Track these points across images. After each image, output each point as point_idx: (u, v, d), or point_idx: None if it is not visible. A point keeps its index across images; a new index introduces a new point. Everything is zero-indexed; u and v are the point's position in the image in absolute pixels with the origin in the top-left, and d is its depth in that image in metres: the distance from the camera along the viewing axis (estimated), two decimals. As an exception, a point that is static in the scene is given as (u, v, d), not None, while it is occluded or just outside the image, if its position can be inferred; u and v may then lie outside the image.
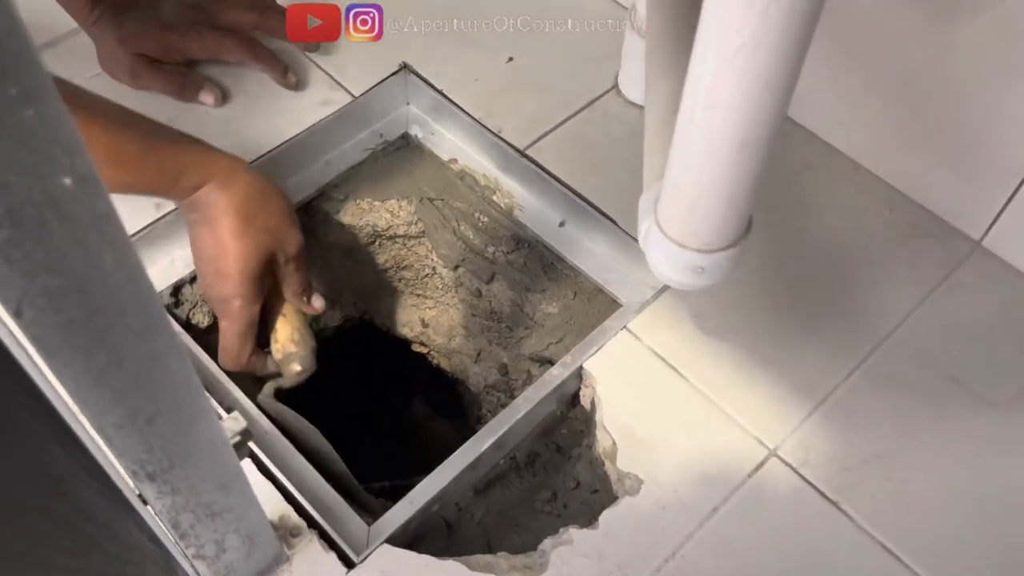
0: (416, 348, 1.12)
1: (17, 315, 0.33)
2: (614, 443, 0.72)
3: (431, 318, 1.06)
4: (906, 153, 0.87)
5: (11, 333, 0.36)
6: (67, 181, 0.31)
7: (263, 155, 0.90)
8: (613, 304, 0.86)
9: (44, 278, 0.33)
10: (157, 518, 0.51)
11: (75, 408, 0.42)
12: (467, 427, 1.23)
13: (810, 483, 0.71)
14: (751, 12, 0.38)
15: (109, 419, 0.42)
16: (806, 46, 0.41)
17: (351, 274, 1.02)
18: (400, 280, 1.04)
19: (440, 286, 1.02)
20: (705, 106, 0.44)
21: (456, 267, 0.96)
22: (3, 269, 0.32)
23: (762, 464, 0.72)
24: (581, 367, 0.77)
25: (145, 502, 0.52)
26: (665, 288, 0.81)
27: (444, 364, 1.11)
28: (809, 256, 0.85)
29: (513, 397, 1.01)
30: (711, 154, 0.47)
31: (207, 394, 0.45)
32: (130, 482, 0.49)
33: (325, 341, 1.09)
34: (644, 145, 0.63)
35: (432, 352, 1.11)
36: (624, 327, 0.79)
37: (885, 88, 0.85)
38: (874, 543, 0.68)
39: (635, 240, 0.84)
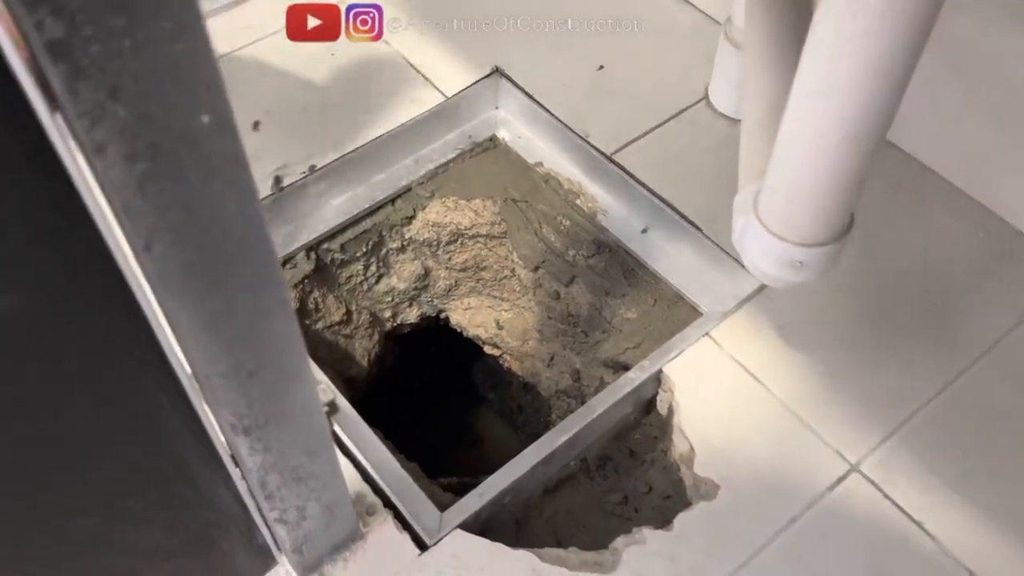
0: (489, 350, 1.13)
1: (147, 249, 0.35)
2: (691, 448, 0.72)
3: (506, 320, 1.07)
4: (1003, 174, 0.85)
5: (134, 273, 0.37)
6: (205, 119, 0.33)
7: (355, 149, 0.92)
8: (693, 312, 0.85)
9: (174, 215, 0.34)
10: (246, 477, 0.53)
11: (184, 355, 0.43)
12: (531, 433, 1.23)
13: (892, 501, 0.69)
14: (874, -6, 0.38)
15: (216, 367, 0.43)
16: (927, 35, 0.40)
17: (431, 272, 1.03)
18: (479, 280, 1.05)
19: (518, 288, 1.03)
20: (817, 93, 0.44)
21: (536, 268, 0.97)
22: (138, 202, 0.33)
23: (842, 479, 0.70)
24: (660, 371, 0.76)
25: (236, 463, 0.53)
26: (748, 298, 0.81)
27: (516, 367, 1.11)
28: (897, 275, 0.83)
29: (584, 403, 1.01)
30: (819, 143, 0.46)
31: (307, 355, 0.46)
32: (224, 438, 0.51)
33: (400, 338, 1.11)
34: (741, 145, 0.63)
35: (504, 355, 1.11)
36: (706, 334, 0.78)
37: (983, 107, 0.83)
38: (959, 566, 0.66)
39: (720, 248, 0.84)
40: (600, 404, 0.75)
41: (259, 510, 0.57)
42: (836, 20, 0.41)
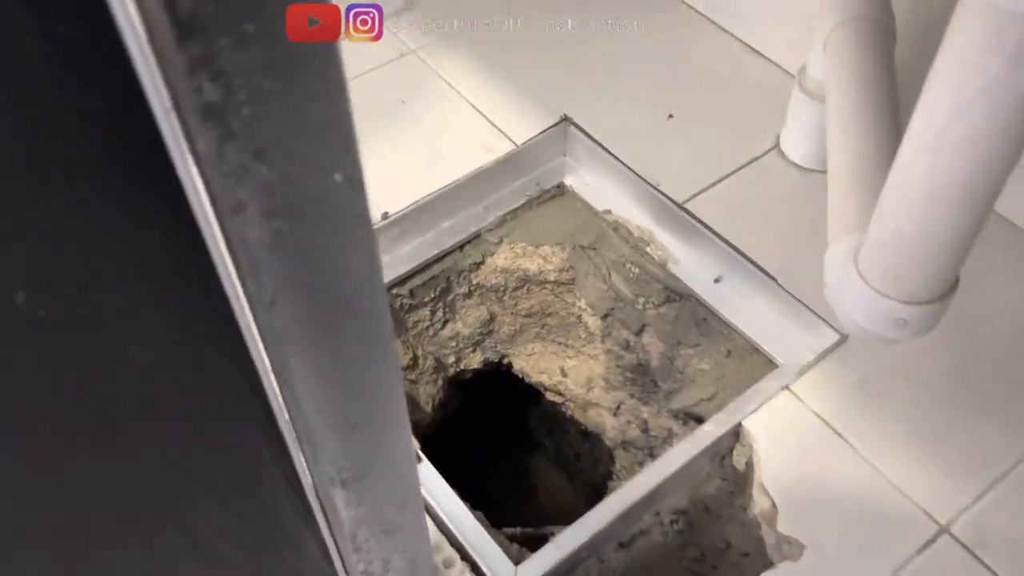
0: (551, 396, 1.12)
1: (271, 304, 0.35)
2: (773, 505, 0.70)
3: (571, 367, 1.06)
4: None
5: (250, 328, 0.37)
6: (338, 177, 0.33)
7: (426, 196, 0.92)
8: (769, 364, 0.84)
9: (301, 271, 0.34)
10: (336, 530, 0.52)
11: (288, 408, 0.43)
12: (587, 482, 1.21)
13: (987, 567, 0.66)
14: (999, 54, 0.38)
15: (321, 418, 0.43)
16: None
17: (496, 317, 1.03)
18: (543, 326, 1.04)
19: (583, 336, 1.02)
20: (933, 150, 0.43)
21: (605, 316, 0.96)
22: (269, 258, 0.33)
23: (932, 541, 0.68)
24: (739, 425, 0.75)
25: (326, 515, 0.53)
26: (828, 351, 0.79)
27: (579, 415, 1.10)
28: (984, 331, 0.81)
29: (653, 455, 0.99)
30: (933, 201, 0.45)
31: (406, 407, 0.46)
32: (318, 490, 0.51)
33: (463, 383, 1.11)
34: (829, 198, 0.62)
35: (567, 402, 1.10)
36: (785, 387, 0.77)
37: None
38: (1060, 638, 0.63)
39: (795, 299, 0.83)
40: (678, 457, 0.74)
41: (343, 562, 0.57)
42: (956, 80, 0.40)
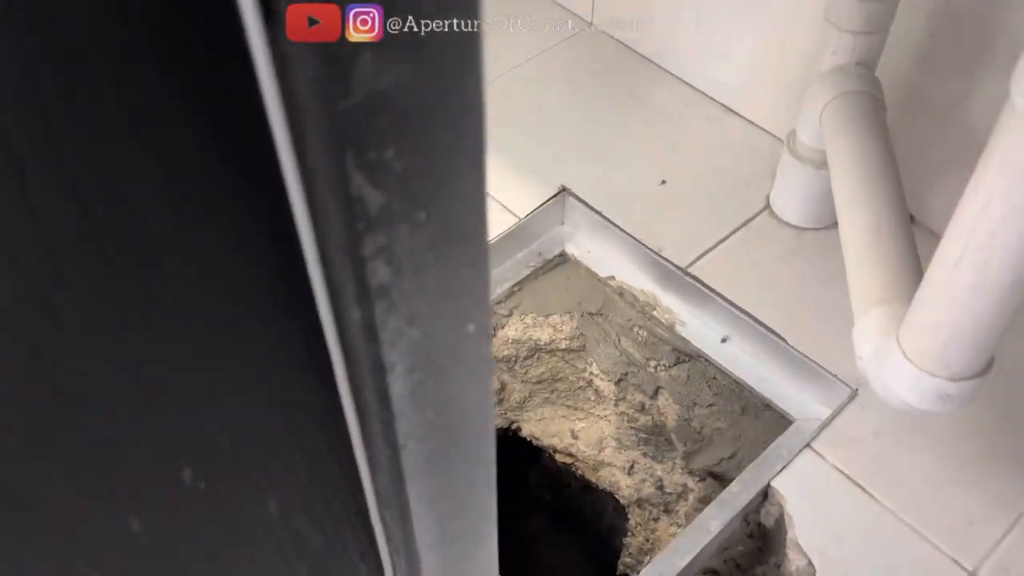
0: (560, 459, 1.14)
1: (402, 447, 0.37)
2: (810, 563, 0.72)
3: (580, 429, 1.08)
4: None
5: (364, 466, 0.39)
6: (471, 328, 0.35)
7: (437, 274, 0.94)
8: (783, 420, 0.87)
9: (430, 414, 0.36)
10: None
11: (392, 530, 0.44)
12: (604, 543, 1.23)
13: (1017, 609, 0.70)
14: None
15: (426, 538, 0.44)
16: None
17: (507, 386, 1.05)
18: (553, 391, 1.06)
19: (593, 398, 1.04)
20: (981, 249, 0.47)
21: (619, 381, 0.99)
22: (408, 408, 0.35)
23: (963, 587, 0.71)
24: (769, 485, 0.77)
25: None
26: (841, 407, 0.82)
27: (590, 475, 1.12)
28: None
29: (668, 511, 1.01)
30: (979, 292, 0.49)
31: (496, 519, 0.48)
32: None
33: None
34: (848, 272, 0.66)
35: (578, 463, 1.12)
36: (807, 445, 0.80)
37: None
38: (1094, 674, 0.66)
39: (802, 356, 0.86)
40: (714, 521, 0.76)
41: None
42: (1008, 185, 0.44)
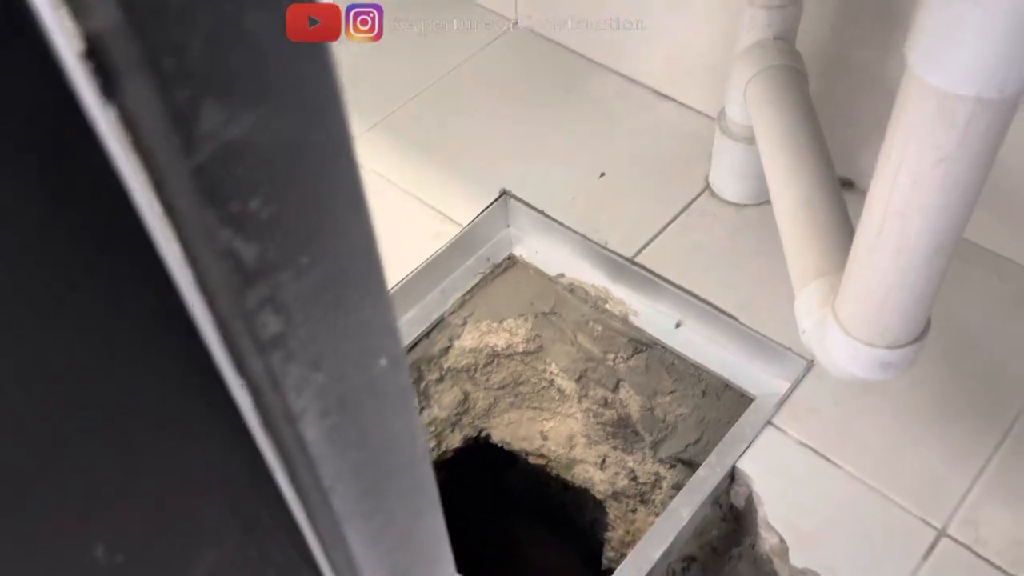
0: (534, 460, 1.13)
1: (331, 491, 0.36)
2: (782, 540, 0.73)
3: (549, 429, 1.08)
4: (1002, 217, 0.89)
5: (303, 517, 0.38)
6: (383, 362, 0.34)
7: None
8: (743, 398, 0.87)
9: (354, 453, 0.35)
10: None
11: (341, 567, 0.44)
12: (584, 536, 1.23)
13: (988, 560, 0.70)
14: (952, 129, 0.41)
15: (377, 575, 0.43)
16: (995, 155, 0.44)
17: (470, 395, 1.04)
18: (517, 395, 1.06)
19: (557, 397, 1.04)
20: (899, 214, 0.47)
21: (579, 378, 0.98)
22: (327, 451, 0.34)
23: (934, 546, 0.72)
24: (734, 467, 0.77)
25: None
26: (799, 380, 0.83)
27: (564, 474, 1.11)
28: (939, 335, 0.85)
29: (644, 501, 1.01)
30: (903, 259, 0.49)
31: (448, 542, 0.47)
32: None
33: (445, 463, 1.11)
34: (785, 247, 0.66)
35: (551, 463, 1.12)
36: (768, 422, 0.80)
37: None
38: (1069, 616, 0.67)
39: (756, 333, 0.86)
40: (685, 508, 0.76)
41: None
42: (914, 152, 0.44)
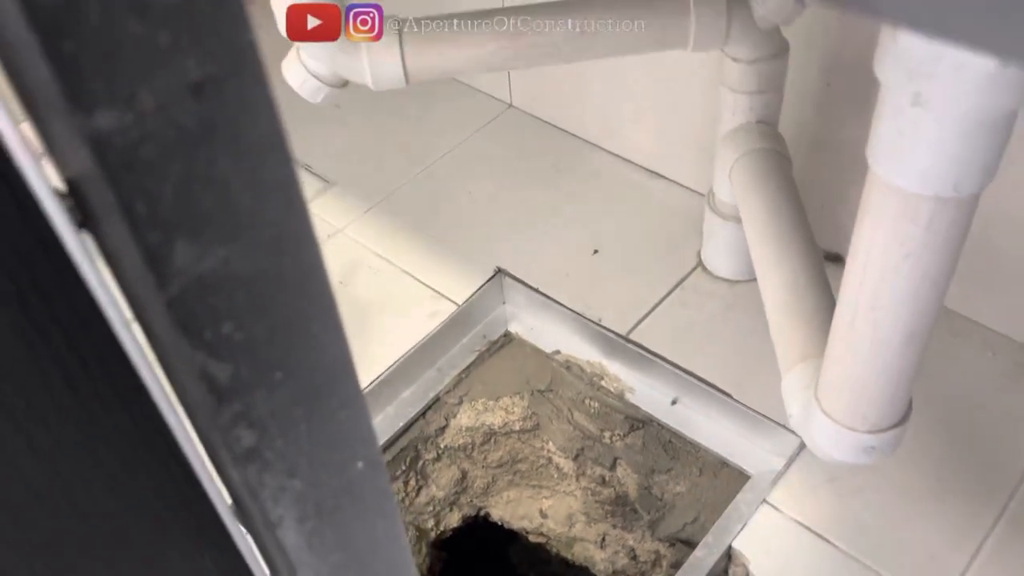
0: (534, 539, 1.12)
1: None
2: (779, 623, 0.72)
3: (548, 507, 1.07)
4: (994, 293, 0.90)
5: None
6: (360, 465, 0.35)
7: (383, 372, 0.94)
8: (740, 476, 0.87)
9: (334, 557, 0.36)
10: None
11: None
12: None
13: (989, 642, 0.69)
14: (915, 225, 0.43)
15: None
16: (962, 244, 0.45)
17: (468, 473, 1.04)
18: (516, 473, 1.06)
19: (555, 475, 1.04)
20: (870, 307, 0.48)
21: (576, 456, 0.98)
22: (307, 556, 0.35)
23: (934, 627, 0.71)
24: (730, 547, 0.77)
25: None
26: (793, 457, 0.83)
27: (564, 552, 1.10)
28: (923, 409, 0.85)
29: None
30: (878, 348, 0.50)
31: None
32: None
33: (444, 543, 1.10)
34: (772, 330, 0.67)
35: (551, 542, 1.11)
36: (764, 500, 0.80)
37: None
38: None
39: (751, 411, 0.86)
40: (680, 593, 0.75)
41: None
42: (881, 248, 0.45)
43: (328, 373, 0.31)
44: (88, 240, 0.25)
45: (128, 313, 0.26)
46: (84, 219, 0.24)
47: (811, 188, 0.88)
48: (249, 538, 0.35)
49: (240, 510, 0.34)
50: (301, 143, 1.21)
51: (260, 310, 0.26)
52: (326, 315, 0.30)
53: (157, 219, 0.22)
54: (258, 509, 0.32)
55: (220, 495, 0.32)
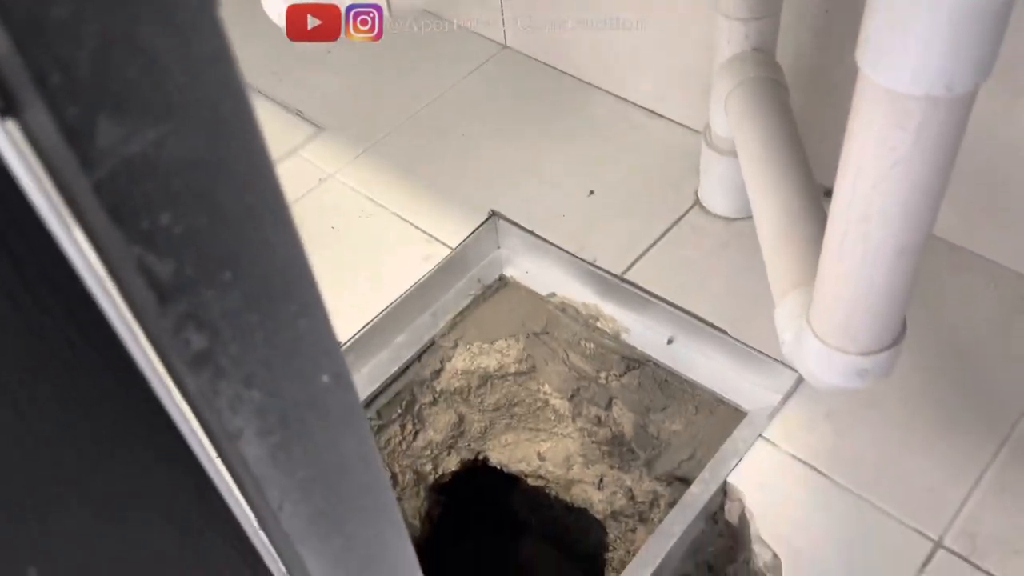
0: (532, 482, 1.12)
1: (279, 510, 0.36)
2: (775, 556, 0.71)
3: (546, 450, 1.07)
4: (999, 226, 0.88)
5: (259, 536, 0.38)
6: (325, 379, 0.34)
7: (375, 316, 0.93)
8: (736, 413, 0.86)
9: (302, 473, 0.35)
10: None
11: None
12: (589, 558, 1.21)
13: (986, 572, 0.69)
14: (906, 131, 0.41)
15: (340, 600, 0.43)
16: (955, 154, 0.43)
17: (465, 417, 1.04)
18: (512, 416, 1.05)
19: (552, 417, 1.03)
20: (861, 219, 0.46)
21: (572, 397, 0.98)
22: (271, 471, 0.34)
23: (930, 557, 0.70)
24: (725, 482, 0.76)
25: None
26: (790, 392, 0.82)
27: (563, 495, 1.10)
28: (923, 343, 0.84)
29: (643, 520, 1.00)
30: (869, 263, 0.48)
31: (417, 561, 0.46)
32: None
33: (443, 487, 1.10)
34: (765, 258, 0.65)
35: (550, 484, 1.11)
36: (760, 436, 0.79)
37: (971, 169, 0.87)
38: (1070, 628, 0.65)
39: (748, 347, 0.85)
40: (676, 525, 0.75)
41: None
42: (871, 157, 0.44)
43: (283, 276, 0.30)
44: (13, 128, 0.23)
45: (64, 210, 0.25)
46: (6, 106, 0.23)
47: (810, 121, 0.86)
48: (212, 451, 0.34)
49: (200, 421, 0.33)
50: (291, 88, 1.20)
51: (200, 201, 0.25)
52: (276, 213, 0.28)
53: (75, 91, 0.21)
54: (216, 419, 0.31)
55: (173, 401, 0.31)
